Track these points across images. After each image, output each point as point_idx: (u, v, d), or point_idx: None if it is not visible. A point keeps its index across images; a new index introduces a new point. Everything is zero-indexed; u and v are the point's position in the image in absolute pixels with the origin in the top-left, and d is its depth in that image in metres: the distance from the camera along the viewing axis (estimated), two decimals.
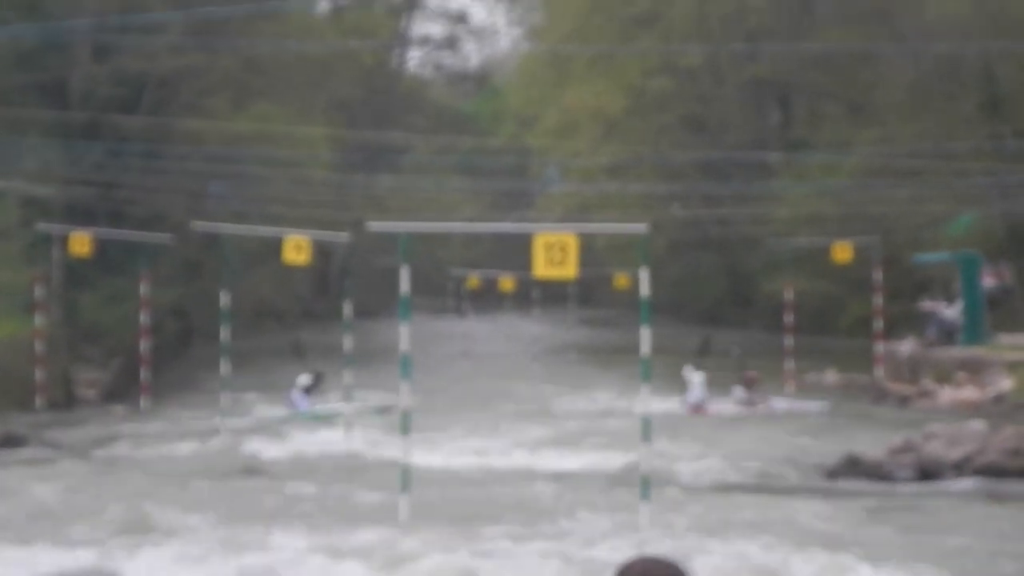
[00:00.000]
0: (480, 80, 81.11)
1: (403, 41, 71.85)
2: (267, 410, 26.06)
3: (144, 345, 27.95)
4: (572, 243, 14.14)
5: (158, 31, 36.80)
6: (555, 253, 14.13)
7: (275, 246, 24.67)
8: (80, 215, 33.94)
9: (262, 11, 36.37)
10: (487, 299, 66.11)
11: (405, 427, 14.66)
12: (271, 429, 22.68)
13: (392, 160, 59.31)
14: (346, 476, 18.38)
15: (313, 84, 51.60)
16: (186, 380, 33.41)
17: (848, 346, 36.93)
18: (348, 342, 22.22)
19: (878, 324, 29.54)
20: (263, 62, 45.05)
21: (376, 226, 15.87)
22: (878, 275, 29.52)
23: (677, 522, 14.77)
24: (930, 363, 28.33)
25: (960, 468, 17.42)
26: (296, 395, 25.21)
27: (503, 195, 53.76)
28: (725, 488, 17.28)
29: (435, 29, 75.52)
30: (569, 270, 14.16)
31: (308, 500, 16.44)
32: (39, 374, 26.83)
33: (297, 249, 21.79)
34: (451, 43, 76.44)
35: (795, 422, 24.09)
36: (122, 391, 29.66)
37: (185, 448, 21.14)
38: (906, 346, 29.96)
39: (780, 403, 26.34)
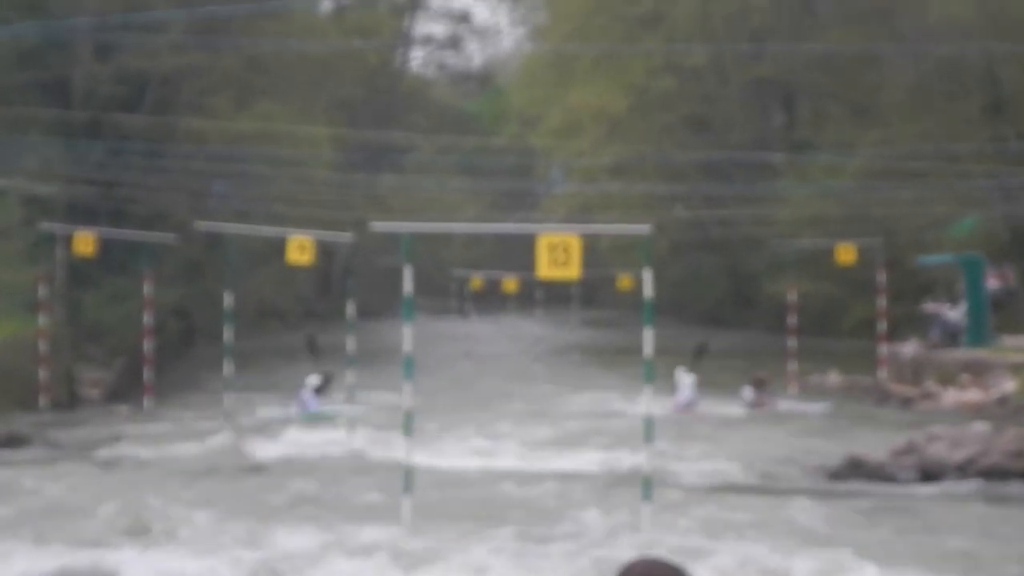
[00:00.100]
0: (483, 80, 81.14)
1: (406, 41, 71.89)
2: (271, 410, 26.05)
3: (147, 345, 27.95)
4: (575, 244, 14.12)
5: (160, 30, 36.81)
6: (558, 254, 14.11)
7: (278, 246, 24.68)
8: (82, 214, 33.96)
9: (265, 10, 36.35)
10: (490, 300, 66.11)
11: (408, 427, 14.64)
12: (274, 429, 22.67)
13: (395, 160, 59.32)
14: (349, 476, 18.37)
15: (316, 83, 51.59)
16: (189, 380, 33.41)
17: (851, 348, 36.92)
18: (351, 342, 22.23)
19: (881, 326, 29.52)
20: (266, 61, 45.06)
21: (379, 226, 15.85)
22: (881, 277, 29.50)
23: (679, 523, 14.75)
24: (933, 365, 28.31)
25: (963, 470, 17.39)
26: (306, 395, 25.20)
27: (506, 195, 53.73)
28: (727, 489, 17.26)
29: (438, 29, 75.62)
30: (572, 271, 14.14)
31: (311, 500, 16.43)
32: (42, 374, 26.83)
33: (301, 249, 21.79)
34: (454, 43, 76.48)
35: (797, 423, 24.08)
36: (125, 391, 29.66)
37: (188, 448, 21.13)
38: (909, 348, 29.94)
39: (784, 404, 26.37)
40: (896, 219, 36.12)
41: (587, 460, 19.58)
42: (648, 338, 14.24)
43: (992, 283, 30.21)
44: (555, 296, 66.50)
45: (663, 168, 47.34)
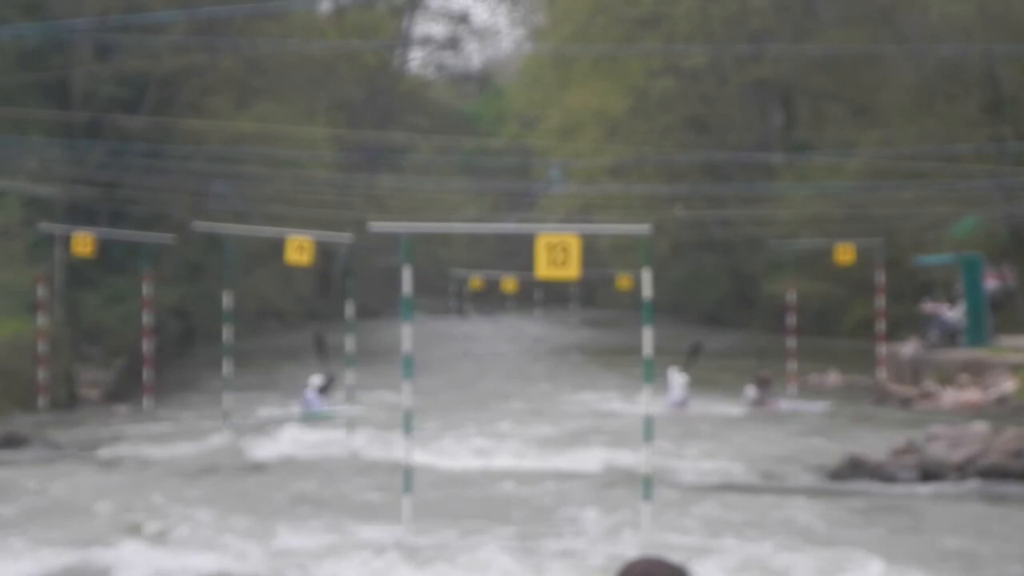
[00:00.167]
0: (482, 81, 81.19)
1: (405, 41, 71.87)
2: (271, 410, 26.07)
3: (146, 345, 27.96)
4: (574, 244, 14.13)
5: (160, 31, 36.82)
6: (557, 254, 14.12)
7: (277, 246, 24.65)
8: (82, 215, 33.98)
9: (264, 11, 36.37)
10: (489, 300, 66.13)
11: (408, 427, 14.65)
12: (274, 429, 22.67)
13: (394, 160, 59.33)
14: (349, 476, 18.38)
15: (315, 84, 51.66)
16: (188, 380, 33.42)
17: (850, 347, 36.94)
18: (350, 342, 22.21)
19: (880, 326, 29.53)
20: (265, 62, 45.08)
21: (378, 226, 15.84)
22: (880, 277, 29.51)
23: (679, 522, 14.76)
24: (932, 365, 28.32)
25: (963, 470, 17.40)
26: (311, 395, 25.20)
27: (505, 196, 53.78)
28: (727, 488, 17.27)
29: (437, 29, 75.61)
30: (571, 271, 14.14)
31: (311, 499, 16.43)
32: (41, 374, 26.83)
33: (299, 249, 21.78)
34: (453, 43, 76.46)
35: (797, 423, 24.10)
36: (124, 391, 29.67)
37: (188, 448, 21.13)
38: (908, 348, 29.95)
39: (785, 404, 26.43)
40: (895, 219, 36.13)
41: (587, 459, 19.58)
42: (647, 338, 14.24)
43: (991, 283, 30.23)
44: (554, 296, 66.57)
45: (663, 169, 47.37)
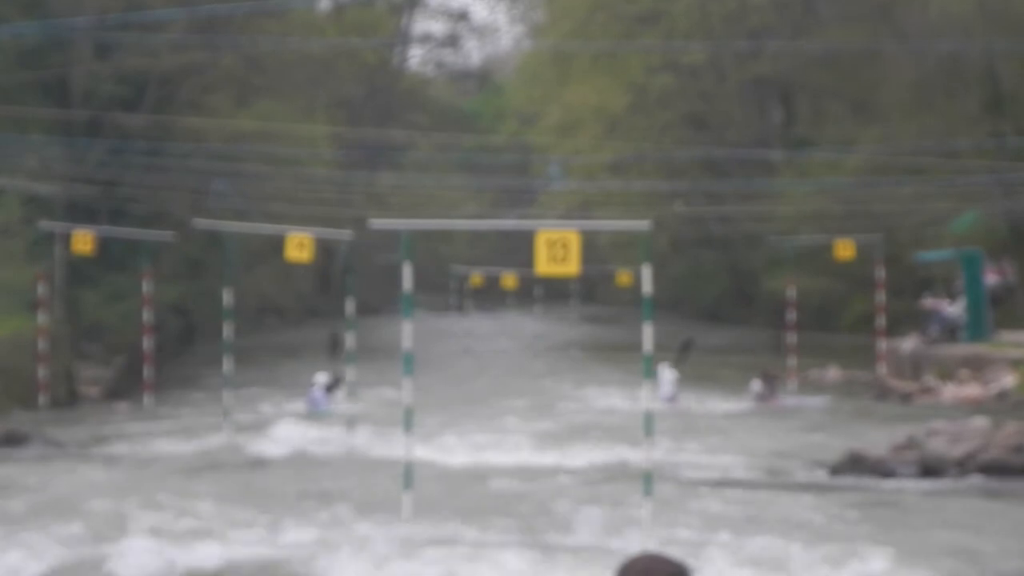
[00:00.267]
0: (482, 78, 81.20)
1: (404, 39, 71.85)
2: (272, 407, 26.08)
3: (147, 343, 27.97)
4: (574, 240, 14.13)
5: (160, 29, 36.82)
6: (557, 250, 14.12)
7: (277, 244, 24.67)
8: (82, 213, 33.98)
9: (264, 9, 36.37)
10: (490, 296, 66.10)
11: (408, 423, 14.67)
12: (274, 425, 22.67)
13: (394, 158, 59.37)
14: (350, 472, 18.40)
15: (315, 82, 51.66)
16: (188, 378, 33.44)
17: (850, 343, 36.94)
18: (351, 339, 22.24)
19: (880, 321, 29.55)
20: (265, 60, 45.08)
21: (378, 223, 15.85)
22: (880, 272, 29.52)
23: (679, 517, 14.77)
24: (932, 360, 28.34)
25: (963, 465, 17.41)
26: (317, 394, 25.19)
27: (505, 192, 53.78)
28: (727, 484, 17.28)
29: (436, 27, 75.60)
30: (571, 267, 14.15)
31: (312, 496, 16.44)
32: (41, 372, 26.84)
33: (299, 247, 21.79)
34: (452, 41, 76.45)
35: (797, 418, 24.12)
36: (125, 389, 29.69)
37: (188, 445, 21.15)
38: (908, 343, 29.97)
39: (788, 400, 26.50)
40: (895, 215, 36.14)
41: (588, 455, 19.60)
42: (647, 334, 14.25)
43: (991, 278, 30.26)
44: (554, 292, 66.53)
45: (662, 165, 47.38)
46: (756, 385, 26.55)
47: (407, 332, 14.61)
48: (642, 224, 15.09)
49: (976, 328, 29.05)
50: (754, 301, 50.94)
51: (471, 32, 77.01)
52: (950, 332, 29.41)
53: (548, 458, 19.46)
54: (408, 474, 14.56)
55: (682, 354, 27.12)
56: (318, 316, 56.31)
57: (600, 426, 23.01)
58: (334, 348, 24.16)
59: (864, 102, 45.02)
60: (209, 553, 13.26)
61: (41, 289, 27.56)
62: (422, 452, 17.51)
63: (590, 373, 34.43)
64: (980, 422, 19.01)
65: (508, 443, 20.98)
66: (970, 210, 35.37)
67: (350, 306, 22.54)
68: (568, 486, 17.11)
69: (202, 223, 25.82)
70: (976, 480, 17.11)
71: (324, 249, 44.79)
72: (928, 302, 30.72)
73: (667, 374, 26.33)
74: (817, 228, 36.87)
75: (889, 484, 17.08)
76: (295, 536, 13.98)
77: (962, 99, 39.43)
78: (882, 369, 29.30)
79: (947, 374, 27.25)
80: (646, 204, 42.39)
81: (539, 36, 61.77)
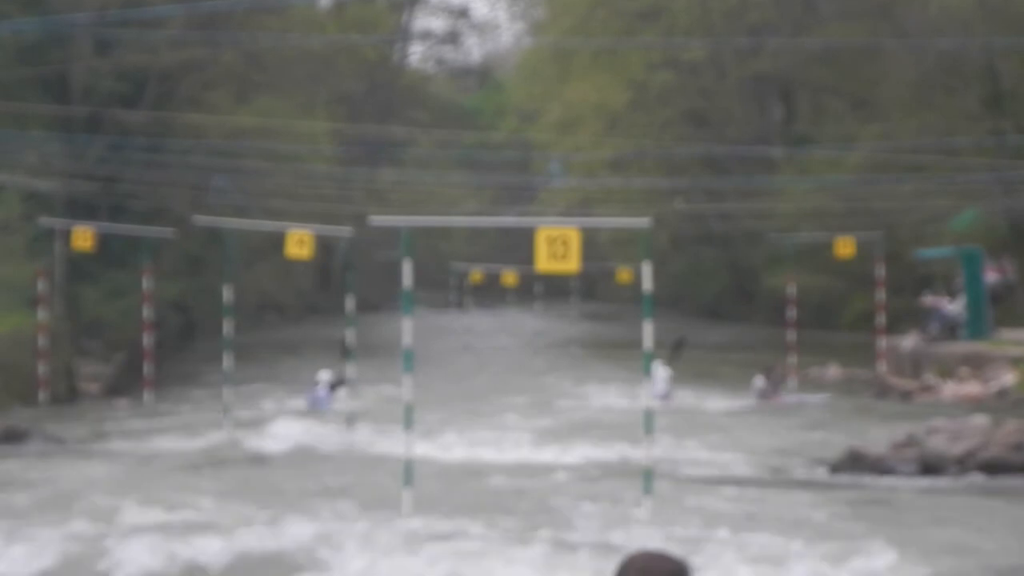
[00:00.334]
0: (482, 75, 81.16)
1: (405, 35, 71.83)
2: (272, 403, 26.07)
3: (147, 339, 27.97)
4: (574, 237, 14.13)
5: (160, 25, 36.81)
6: (557, 247, 14.13)
7: (277, 240, 24.67)
8: (82, 209, 33.97)
9: (264, 5, 36.38)
10: (489, 293, 66.11)
11: (408, 420, 14.67)
12: (274, 422, 22.67)
13: (394, 154, 59.34)
14: (350, 468, 18.40)
15: (315, 78, 51.64)
16: (188, 374, 33.44)
17: (850, 341, 36.94)
18: (350, 336, 22.23)
19: (880, 319, 29.55)
20: (265, 56, 45.08)
21: (378, 220, 15.85)
22: (880, 270, 29.51)
23: (679, 514, 14.77)
24: (932, 358, 28.34)
25: (963, 463, 17.41)
26: (321, 392, 25.15)
27: (505, 189, 53.76)
28: (727, 481, 17.28)
29: (437, 24, 75.57)
30: (571, 264, 14.15)
31: (311, 492, 16.44)
32: (41, 368, 26.84)
33: (299, 243, 21.78)
34: (453, 38, 76.41)
35: (797, 416, 24.12)
36: (125, 385, 29.70)
37: (188, 441, 21.15)
38: (908, 341, 29.97)
39: (790, 398, 26.52)
40: (895, 213, 36.14)
41: (587, 452, 19.60)
42: (648, 331, 14.25)
43: (991, 276, 30.25)
44: (554, 289, 66.54)
45: (662, 162, 47.38)
46: (759, 381, 26.56)
47: (407, 329, 14.60)
48: (642, 221, 15.09)
49: (976, 326, 29.06)
50: (754, 298, 50.96)
51: (472, 29, 77.04)
52: (950, 330, 29.41)
53: (548, 455, 19.46)
54: (408, 471, 14.56)
55: (675, 352, 27.12)
56: (318, 313, 56.33)
57: (600, 423, 23.01)
58: (346, 351, 23.91)
59: (864, 99, 45.03)
60: (210, 548, 13.27)
61: (41, 285, 27.56)
62: (422, 449, 17.51)
63: (590, 370, 34.43)
64: (980, 420, 19.01)
65: (508, 440, 20.98)
66: (970, 208, 35.37)
67: (350, 303, 22.52)
68: (568, 483, 17.11)
69: (202, 219, 25.82)
70: (976, 478, 17.11)
71: (324, 246, 44.81)
72: (928, 300, 30.72)
73: (660, 372, 26.32)
74: (817, 225, 36.87)
75: (889, 482, 17.08)
76: (296, 531, 13.98)
77: (962, 96, 39.44)
78: (882, 367, 29.29)
79: (947, 372, 27.25)
80: (646, 201, 42.40)
81: (539, 33, 61.75)
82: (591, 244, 33.06)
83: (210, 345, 34.44)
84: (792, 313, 30.13)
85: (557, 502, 15.72)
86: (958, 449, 17.58)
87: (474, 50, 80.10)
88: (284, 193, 40.00)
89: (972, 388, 26.03)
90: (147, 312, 28.02)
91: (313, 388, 25.54)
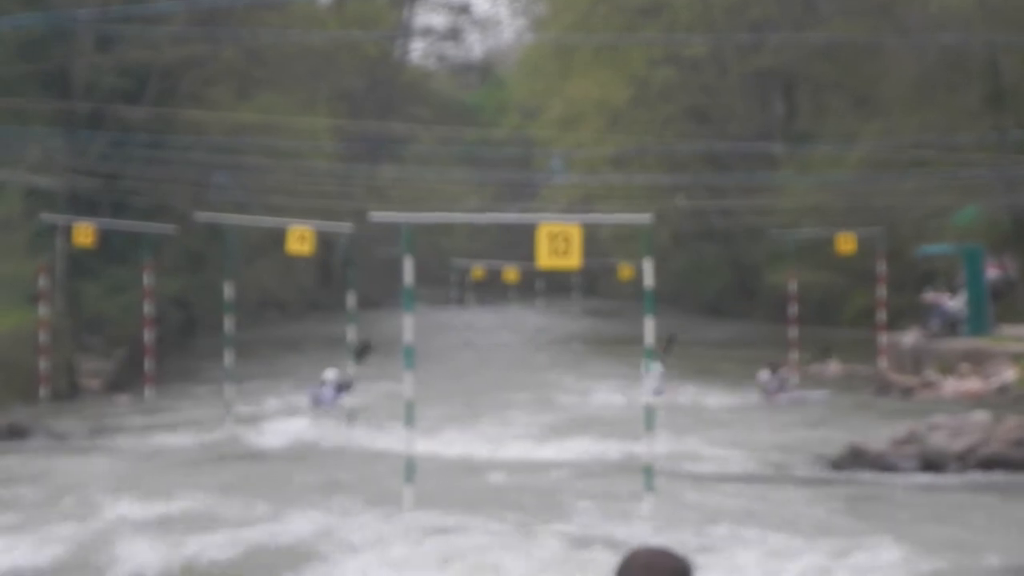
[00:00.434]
0: (483, 71, 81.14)
1: (406, 32, 71.82)
2: (273, 400, 26.07)
3: (148, 335, 27.98)
4: (576, 233, 14.13)
5: (161, 21, 36.81)
6: (559, 243, 14.13)
7: (278, 237, 24.66)
8: (83, 205, 33.98)
9: (265, 1, 36.40)
10: (491, 290, 66.14)
11: (409, 417, 14.67)
12: (275, 419, 22.69)
13: (395, 151, 59.36)
14: (350, 465, 18.40)
15: (316, 74, 51.65)
16: (189, 370, 33.45)
17: (851, 337, 36.93)
18: (351, 333, 22.24)
19: (881, 315, 29.54)
20: (266, 52, 45.09)
21: (379, 217, 15.85)
22: (882, 266, 29.51)
23: (680, 511, 14.77)
24: (933, 354, 28.33)
25: (964, 459, 17.41)
26: (327, 392, 25.08)
27: (507, 186, 53.78)
28: (728, 477, 17.28)
29: (438, 20, 75.57)
30: (573, 261, 14.15)
31: (312, 488, 16.45)
32: (43, 364, 26.86)
33: (301, 240, 21.78)
34: (454, 34, 76.41)
35: (798, 412, 24.12)
36: (126, 381, 29.70)
37: (189, 437, 21.16)
38: (909, 337, 29.96)
39: (793, 395, 26.52)
40: (897, 209, 36.13)
41: (589, 448, 19.61)
42: (649, 328, 14.25)
43: (992, 273, 30.25)
44: (556, 286, 66.58)
45: (664, 159, 47.37)
46: (764, 375, 26.55)
47: (408, 325, 14.61)
48: (644, 217, 15.09)
49: (977, 322, 29.05)
50: (756, 295, 50.95)
51: (473, 25, 77.04)
52: (951, 326, 29.41)
53: (549, 451, 19.47)
54: (409, 467, 14.57)
55: (667, 348, 27.14)
56: (319, 309, 56.35)
57: (601, 419, 23.01)
58: (362, 355, 23.71)
59: (866, 96, 44.99)
60: (211, 543, 13.28)
61: (42, 281, 27.57)
62: (423, 445, 17.52)
63: (592, 367, 34.43)
64: (981, 416, 19.01)
65: (509, 436, 20.99)
66: (971, 204, 35.35)
67: (351, 299, 22.53)
68: (569, 479, 17.11)
69: (203, 216, 25.83)
70: (976, 474, 17.11)
71: (325, 242, 44.83)
72: (929, 296, 30.71)
73: (652, 368, 26.30)
74: (819, 222, 36.87)
75: (890, 478, 17.08)
76: (297, 527, 13.99)
77: (963, 93, 39.41)
78: (883, 363, 29.29)
79: (948, 368, 27.24)
80: (648, 197, 42.43)
81: (541, 29, 61.72)
82: (592, 240, 33.02)
83: (211, 341, 34.45)
84: (793, 309, 30.13)
85: (558, 498, 15.72)
86: (959, 445, 17.59)
87: (475, 46, 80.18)
88: (285, 189, 39.99)
89: (973, 384, 26.03)
90: (148, 308, 28.03)
91: (317, 385, 25.50)
